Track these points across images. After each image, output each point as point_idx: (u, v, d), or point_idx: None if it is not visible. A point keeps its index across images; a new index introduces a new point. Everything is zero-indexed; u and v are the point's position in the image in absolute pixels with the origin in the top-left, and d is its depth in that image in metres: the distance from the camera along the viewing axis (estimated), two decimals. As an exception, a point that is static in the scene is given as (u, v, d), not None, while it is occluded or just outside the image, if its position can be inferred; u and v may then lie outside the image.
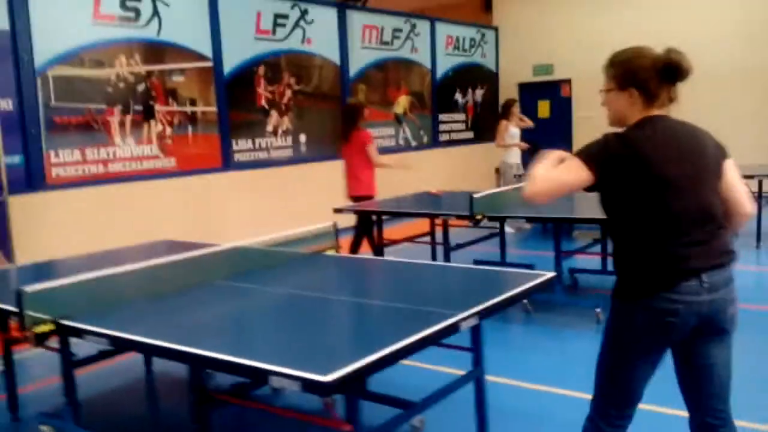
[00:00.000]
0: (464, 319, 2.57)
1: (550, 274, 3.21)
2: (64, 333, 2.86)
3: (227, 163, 8.46)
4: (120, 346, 2.82)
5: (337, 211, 6.19)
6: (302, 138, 9.52)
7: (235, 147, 8.58)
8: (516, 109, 9.35)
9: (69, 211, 6.81)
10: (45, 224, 6.57)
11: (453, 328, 2.52)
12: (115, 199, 7.19)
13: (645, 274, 2.25)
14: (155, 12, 7.57)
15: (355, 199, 6.79)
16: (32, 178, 6.64)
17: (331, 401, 3.56)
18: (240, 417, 3.74)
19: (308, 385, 2.04)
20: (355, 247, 6.75)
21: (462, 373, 3.15)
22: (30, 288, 2.80)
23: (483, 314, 2.69)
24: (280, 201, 8.92)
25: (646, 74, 2.28)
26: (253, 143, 8.84)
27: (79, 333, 2.76)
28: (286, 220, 8.22)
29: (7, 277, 4.36)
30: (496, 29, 13.52)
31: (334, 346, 2.51)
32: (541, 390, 3.97)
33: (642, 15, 11.77)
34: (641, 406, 2.41)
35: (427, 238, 6.84)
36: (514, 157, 9.24)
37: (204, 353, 2.31)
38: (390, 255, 6.58)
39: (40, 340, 2.82)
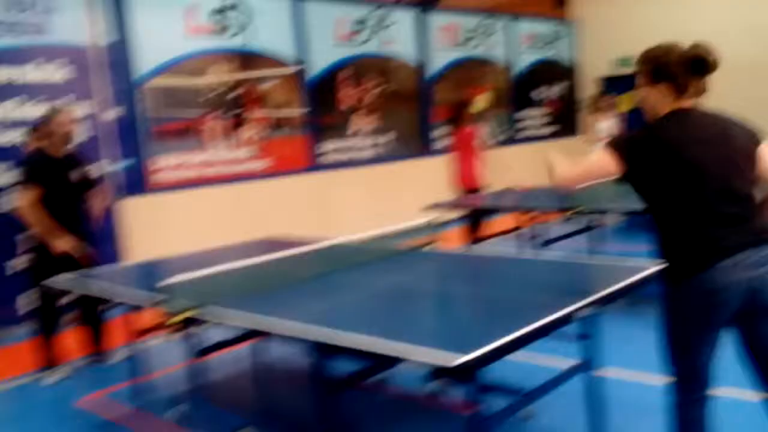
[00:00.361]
0: (581, 308, 2.64)
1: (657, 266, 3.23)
2: (204, 321, 3.08)
3: (314, 163, 8.72)
4: (256, 332, 3.03)
5: (430, 208, 6.30)
6: (384, 138, 9.70)
7: (321, 148, 8.83)
8: (603, 102, 9.26)
9: (169, 213, 7.18)
10: (148, 226, 6.95)
11: (568, 318, 2.60)
12: (214, 201, 7.55)
13: (683, 256, 2.41)
14: (244, 22, 7.89)
15: (462, 190, 7.19)
16: (138, 182, 7.04)
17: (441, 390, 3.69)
18: (355, 404, 3.91)
19: (440, 368, 2.17)
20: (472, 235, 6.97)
21: (568, 365, 3.20)
22: (172, 279, 3.04)
23: (599, 304, 2.75)
24: (365, 199, 9.13)
25: (676, 69, 2.42)
26: (338, 144, 9.07)
27: (216, 321, 2.98)
28: (372, 218, 8.44)
29: (125, 273, 4.69)
30: (573, 23, 13.37)
31: (457, 333, 2.63)
32: (645, 381, 3.97)
33: (725, 4, 11.43)
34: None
35: (515, 234, 6.88)
36: None
37: (340, 337, 2.47)
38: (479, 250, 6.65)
39: (179, 328, 3.06)
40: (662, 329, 2.57)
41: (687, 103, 2.46)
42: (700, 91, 2.46)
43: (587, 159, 2.52)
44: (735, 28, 11.11)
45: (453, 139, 7.30)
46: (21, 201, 4.65)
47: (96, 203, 5.00)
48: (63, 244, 4.61)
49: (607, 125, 9.21)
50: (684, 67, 2.41)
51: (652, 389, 3.84)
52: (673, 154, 2.37)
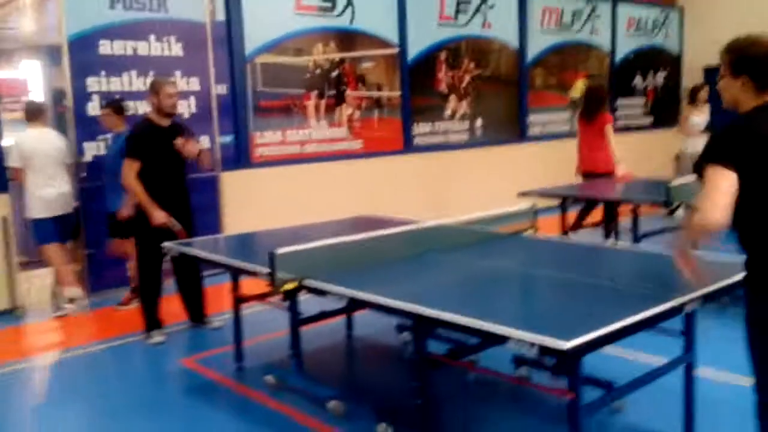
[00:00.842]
0: (689, 301, 2.62)
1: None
2: (308, 291, 3.24)
3: (408, 145, 8.81)
4: (358, 305, 3.16)
5: (523, 194, 6.29)
6: (479, 122, 9.67)
7: (415, 130, 8.90)
8: (703, 94, 8.87)
9: (270, 187, 7.45)
10: (249, 199, 7.24)
11: (678, 309, 2.59)
12: (310, 178, 7.77)
13: None
14: (349, 2, 8.02)
15: (590, 175, 7.16)
16: (240, 156, 7.33)
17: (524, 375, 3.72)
18: (448, 382, 4.00)
19: (547, 351, 2.22)
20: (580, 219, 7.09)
21: (662, 361, 3.17)
22: (280, 251, 3.20)
23: (704, 299, 2.73)
24: (458, 183, 9.17)
25: (759, 62, 2.36)
26: (433, 126, 9.12)
27: (321, 292, 3.13)
28: (463, 202, 8.47)
29: (224, 244, 4.93)
30: (681, 9, 12.83)
31: (560, 318, 2.67)
32: (740, 383, 3.88)
33: None
34: None
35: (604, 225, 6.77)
36: (692, 146, 8.75)
37: (445, 315, 2.56)
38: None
39: (287, 296, 3.23)
40: (755, 332, 2.48)
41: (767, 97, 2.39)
42: None
43: (711, 192, 2.29)
44: None
45: (586, 123, 7.25)
46: (125, 172, 4.93)
47: (191, 149, 5.06)
48: (160, 217, 4.87)
49: (703, 119, 8.80)
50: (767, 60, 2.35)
51: (746, 391, 3.76)
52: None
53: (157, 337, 5.07)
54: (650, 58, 12.34)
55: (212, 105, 6.91)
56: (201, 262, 4.58)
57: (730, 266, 3.18)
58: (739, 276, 2.96)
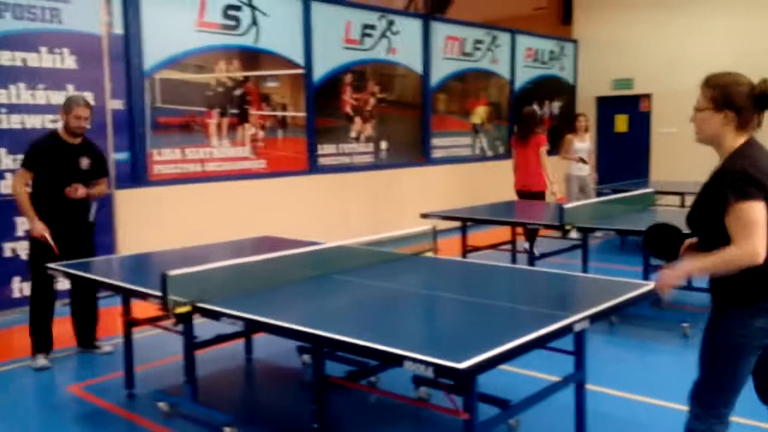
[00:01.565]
0: (578, 321, 2.71)
1: (652, 284, 3.31)
2: (202, 314, 3.13)
3: (313, 166, 8.77)
4: (254, 328, 3.07)
5: (425, 216, 6.38)
6: (384, 144, 9.77)
7: (320, 151, 8.89)
8: (581, 123, 9.37)
9: (168, 206, 7.21)
10: (146, 218, 6.98)
11: (568, 329, 2.67)
12: (211, 197, 7.58)
13: (764, 278, 2.40)
14: (254, 21, 7.95)
15: (524, 194, 7.76)
16: (137, 174, 7.07)
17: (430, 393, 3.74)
18: (346, 404, 3.96)
19: (442, 371, 2.23)
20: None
21: (554, 379, 3.26)
22: (172, 272, 3.08)
23: (592, 319, 2.83)
24: (361, 205, 9.20)
25: (743, 100, 2.46)
26: (337, 148, 9.13)
27: (216, 315, 3.03)
28: (366, 223, 8.51)
29: (118, 265, 4.72)
30: (575, 42, 13.52)
31: (456, 338, 2.70)
32: (627, 397, 4.05)
33: (727, 34, 11.59)
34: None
35: (509, 245, 6.97)
36: (577, 170, 9.30)
37: (343, 338, 2.53)
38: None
39: (180, 320, 3.11)
40: (715, 349, 2.53)
41: (747, 134, 2.50)
42: (758, 126, 2.53)
43: (747, 223, 2.34)
44: (732, 54, 11.27)
45: (520, 144, 7.85)
46: (14, 181, 4.80)
47: (96, 190, 5.00)
48: (38, 229, 4.68)
49: (584, 145, 9.36)
50: (751, 99, 2.46)
51: (634, 406, 3.93)
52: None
53: (41, 361, 4.77)
54: (547, 88, 12.90)
55: (107, 120, 6.64)
56: (94, 284, 4.35)
57: (618, 286, 3.33)
58: (628, 295, 3.12)
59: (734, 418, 2.58)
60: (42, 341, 4.85)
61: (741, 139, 2.50)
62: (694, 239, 2.70)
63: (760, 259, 2.33)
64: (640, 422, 3.71)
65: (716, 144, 2.54)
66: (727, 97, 2.48)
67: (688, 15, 12.06)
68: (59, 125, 5.01)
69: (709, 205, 2.47)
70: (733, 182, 2.39)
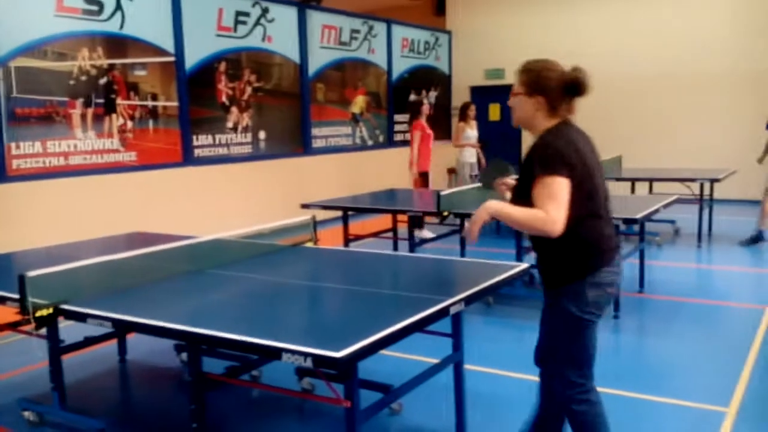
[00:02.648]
0: (453, 303, 2.77)
1: (525, 265, 3.46)
2: (66, 317, 2.94)
3: (188, 158, 8.48)
4: (124, 328, 2.93)
5: (305, 206, 6.33)
6: (261, 135, 9.59)
7: (195, 142, 8.60)
8: (471, 111, 9.73)
9: (30, 203, 6.74)
10: (5, 217, 6.49)
11: (444, 312, 2.72)
12: (77, 192, 7.15)
13: (588, 252, 2.58)
14: (118, 6, 7.54)
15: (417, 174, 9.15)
16: (-8, 169, 6.55)
17: (308, 384, 3.72)
18: (228, 401, 3.86)
19: (320, 361, 2.21)
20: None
21: (435, 361, 3.33)
22: (31, 273, 2.87)
23: (468, 300, 2.90)
24: (239, 197, 8.99)
25: (553, 85, 2.59)
26: (214, 139, 8.87)
27: (81, 317, 2.85)
28: (245, 216, 8.33)
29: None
30: (449, 33, 13.85)
31: (336, 327, 2.69)
32: (504, 375, 4.21)
33: (591, 22, 12.28)
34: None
35: (391, 233, 7.06)
36: (470, 156, 9.64)
37: (217, 333, 2.46)
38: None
39: (41, 323, 2.90)
40: (561, 323, 2.66)
41: (558, 118, 2.62)
42: (570, 111, 2.65)
43: (550, 194, 2.46)
44: (602, 49, 11.95)
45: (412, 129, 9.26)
46: None
47: None
48: None
49: (474, 133, 9.71)
50: (561, 85, 2.58)
51: (511, 383, 4.09)
52: (583, 162, 2.55)
53: None
54: (424, 77, 13.14)
55: (-45, 112, 6.11)
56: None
57: (493, 268, 3.45)
58: (501, 276, 3.23)
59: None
60: None
61: (553, 123, 2.62)
62: (512, 181, 2.94)
63: (559, 227, 2.44)
64: (517, 398, 3.86)
65: (530, 127, 2.68)
66: (539, 82, 2.59)
67: (559, 8, 12.66)
68: None
69: (525, 179, 2.60)
70: (540, 157, 2.52)
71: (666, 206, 5.86)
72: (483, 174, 3.03)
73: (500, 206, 2.60)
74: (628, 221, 5.19)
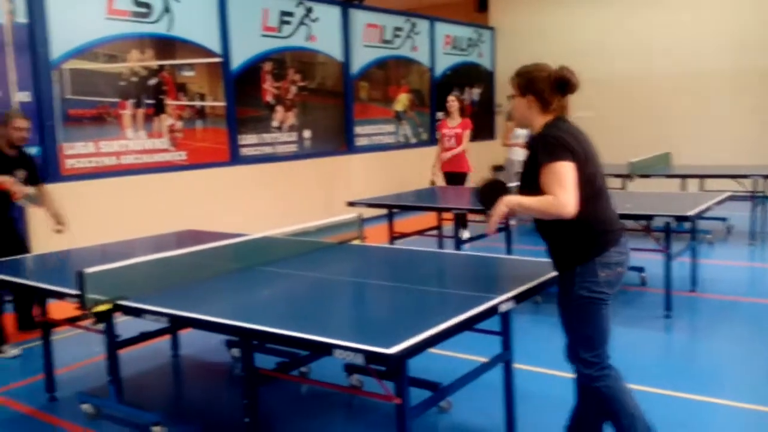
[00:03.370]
0: (504, 301, 2.76)
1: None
2: (124, 312, 3.02)
3: (235, 156, 8.61)
4: (180, 324, 2.99)
5: (351, 204, 6.37)
6: (306, 134, 9.68)
7: (242, 141, 8.73)
8: None
9: (83, 201, 6.92)
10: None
11: (494, 310, 2.72)
12: (129, 191, 7.32)
13: (598, 236, 2.74)
14: (166, 8, 7.70)
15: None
16: (48, 169, 6.75)
17: (357, 381, 3.76)
18: (278, 396, 3.92)
19: (372, 358, 2.23)
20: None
21: (483, 360, 3.32)
22: (90, 270, 2.96)
23: (518, 298, 2.89)
24: (284, 195, 9.09)
25: (542, 85, 2.79)
26: (259, 138, 8.99)
27: (138, 312, 2.93)
28: (290, 213, 8.41)
29: (32, 264, 4.51)
30: (492, 29, 13.74)
31: (385, 324, 2.70)
32: (553, 374, 4.17)
33: (637, 19, 12.04)
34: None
35: (435, 231, 7.05)
36: (518, 155, 9.57)
37: (272, 329, 2.49)
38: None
39: (100, 318, 2.99)
40: (572, 313, 2.80)
41: (552, 115, 2.79)
42: (562, 108, 2.82)
43: (558, 178, 2.63)
44: (648, 41, 11.73)
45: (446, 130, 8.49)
46: None
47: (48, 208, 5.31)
48: (9, 181, 4.80)
49: (524, 132, 9.62)
50: (549, 84, 2.76)
51: (560, 382, 4.05)
52: (583, 151, 2.73)
53: (12, 350, 4.87)
54: (466, 74, 13.07)
55: (14, 114, 6.29)
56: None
57: (542, 266, 3.42)
58: (551, 275, 3.20)
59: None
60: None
61: (548, 119, 2.80)
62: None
63: (571, 209, 2.61)
64: (566, 397, 3.81)
65: (528, 124, 2.88)
66: (529, 83, 2.81)
67: (605, 3, 12.46)
68: None
69: (530, 171, 2.76)
70: (543, 146, 2.70)
71: (718, 203, 5.73)
72: (481, 195, 2.99)
73: (516, 199, 2.79)
74: (680, 218, 5.08)
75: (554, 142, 2.68)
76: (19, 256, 4.65)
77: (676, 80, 11.71)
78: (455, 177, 8.46)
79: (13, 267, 4.15)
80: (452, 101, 8.60)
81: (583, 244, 2.74)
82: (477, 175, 10.98)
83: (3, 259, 4.43)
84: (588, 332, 2.79)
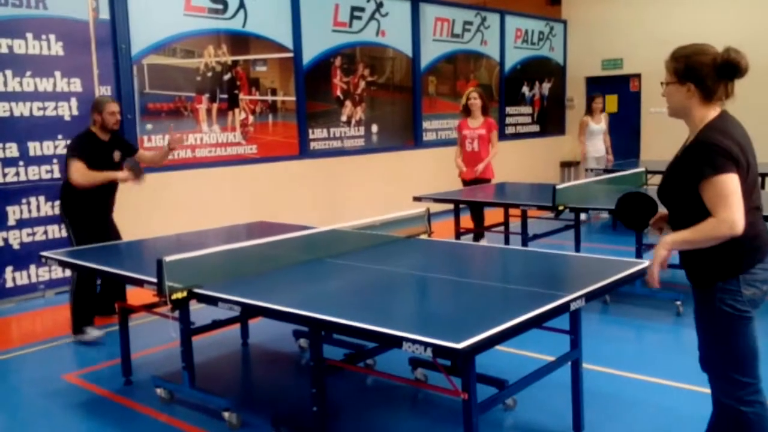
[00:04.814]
0: (574, 299, 2.73)
1: (646, 263, 3.33)
2: (198, 300, 3.13)
3: (304, 150, 8.75)
4: (252, 312, 3.07)
5: (417, 199, 6.38)
6: (374, 128, 9.74)
7: (311, 135, 8.85)
8: (597, 105, 9.57)
9: (160, 193, 7.17)
10: (137, 205, 6.94)
11: (564, 308, 2.68)
12: (203, 183, 7.55)
13: (745, 249, 2.41)
14: (241, 4, 7.88)
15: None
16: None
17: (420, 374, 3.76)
18: (346, 386, 3.98)
19: (440, 351, 2.24)
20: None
21: (549, 358, 3.29)
22: (168, 258, 3.07)
23: (588, 297, 2.84)
24: (353, 189, 9.18)
25: (705, 70, 2.43)
26: (328, 132, 9.10)
27: (213, 300, 3.03)
28: (358, 207, 8.50)
29: (113, 252, 4.69)
30: (564, 22, 13.48)
31: (452, 319, 2.71)
32: (622, 375, 4.09)
33: (714, 11, 11.59)
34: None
35: (502, 227, 6.99)
36: (594, 151, 9.51)
37: (342, 320, 2.54)
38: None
39: (176, 305, 3.10)
40: (715, 332, 2.53)
41: (714, 106, 2.47)
42: (727, 96, 2.49)
43: (724, 195, 2.34)
44: (723, 34, 11.27)
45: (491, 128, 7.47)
46: (73, 173, 5.01)
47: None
48: (123, 175, 5.13)
49: (599, 126, 9.48)
50: (714, 69, 2.42)
51: (628, 383, 3.97)
52: (743, 153, 2.41)
53: (94, 332, 5.04)
54: (537, 68, 12.87)
55: (96, 107, 6.57)
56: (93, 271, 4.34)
57: (611, 265, 3.35)
58: (622, 274, 3.14)
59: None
60: (88, 315, 5.09)
61: (711, 112, 2.47)
62: (664, 211, 2.70)
63: (740, 228, 2.32)
64: (635, 399, 3.75)
65: (685, 116, 2.53)
66: (689, 68, 2.45)
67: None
68: (94, 128, 5.22)
69: (681, 178, 2.46)
70: (706, 156, 2.37)
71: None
72: (626, 217, 2.84)
73: (675, 237, 2.47)
74: None
75: (717, 151, 2.35)
76: (105, 243, 4.86)
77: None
78: (477, 184, 7.35)
79: (98, 253, 4.34)
80: (474, 98, 7.46)
81: (730, 258, 2.43)
82: (547, 171, 10.85)
83: (90, 246, 4.65)
84: (735, 351, 2.50)
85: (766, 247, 2.49)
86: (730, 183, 2.34)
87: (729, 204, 2.32)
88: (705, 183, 2.36)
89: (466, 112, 7.52)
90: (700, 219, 2.39)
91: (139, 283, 3.42)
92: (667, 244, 2.46)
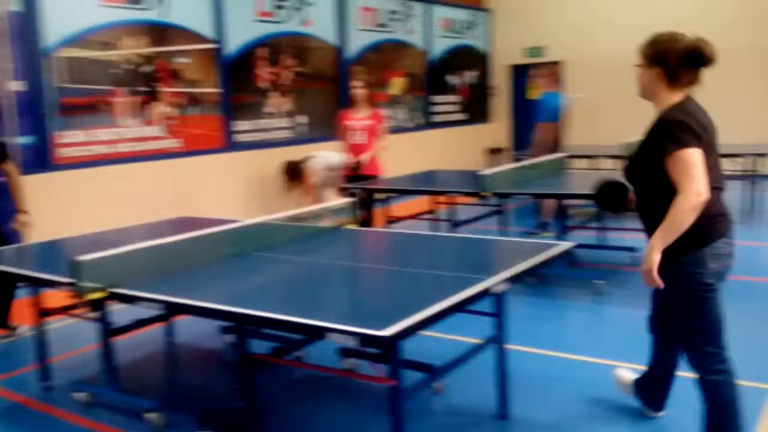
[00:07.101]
0: (498, 283, 2.77)
1: (570, 244, 3.43)
2: (118, 300, 3.03)
3: (229, 143, 8.59)
4: (174, 310, 2.99)
5: (343, 189, 6.36)
6: (302, 119, 9.65)
7: (236, 128, 8.70)
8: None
9: (76, 190, 6.92)
10: (53, 204, 6.68)
11: (487, 292, 2.72)
12: (123, 179, 7.31)
13: (709, 223, 2.57)
14: (159, -6, 7.65)
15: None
16: (41, 158, 6.73)
17: (352, 364, 3.76)
18: (273, 381, 3.93)
19: (367, 340, 2.23)
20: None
21: (476, 341, 3.33)
22: (84, 258, 2.96)
23: (511, 280, 2.89)
24: (280, 180, 9.07)
25: (672, 57, 2.61)
26: (254, 124, 8.96)
27: (132, 299, 2.93)
28: (288, 200, 8.41)
29: (25, 253, 4.50)
30: (489, 11, 13.67)
31: (379, 307, 2.71)
32: (547, 354, 4.19)
33: (637, 1, 11.98)
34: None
35: (430, 215, 7.05)
36: None
37: (266, 314, 2.50)
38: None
39: (94, 307, 2.99)
40: (682, 303, 2.67)
41: (680, 91, 2.64)
42: (693, 83, 2.66)
43: (687, 166, 2.47)
44: (645, 22, 11.64)
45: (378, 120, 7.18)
46: None
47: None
48: None
49: None
50: (681, 57, 2.59)
51: (553, 362, 4.07)
52: (706, 136, 2.57)
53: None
54: (462, 57, 13.01)
55: (6, 103, 6.28)
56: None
57: (535, 247, 3.42)
58: (544, 256, 3.21)
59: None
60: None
61: (675, 96, 2.64)
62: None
63: (706, 196, 2.46)
64: (559, 377, 3.85)
65: (652, 98, 2.71)
66: (658, 53, 2.64)
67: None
68: None
69: (646, 156, 2.62)
70: (668, 132, 2.53)
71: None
72: (601, 201, 3.07)
73: (657, 236, 2.56)
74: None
75: (679, 127, 2.51)
76: (8, 246, 4.64)
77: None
78: (361, 181, 6.80)
79: (3, 257, 4.15)
80: (357, 88, 7.09)
81: (695, 231, 2.53)
82: (474, 158, 10.91)
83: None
84: (702, 322, 2.64)
85: (727, 224, 2.66)
86: (693, 156, 2.48)
87: (692, 174, 2.46)
88: (669, 158, 2.51)
89: (351, 102, 7.16)
90: (666, 197, 2.52)
91: (54, 284, 3.28)
92: (656, 246, 2.56)
